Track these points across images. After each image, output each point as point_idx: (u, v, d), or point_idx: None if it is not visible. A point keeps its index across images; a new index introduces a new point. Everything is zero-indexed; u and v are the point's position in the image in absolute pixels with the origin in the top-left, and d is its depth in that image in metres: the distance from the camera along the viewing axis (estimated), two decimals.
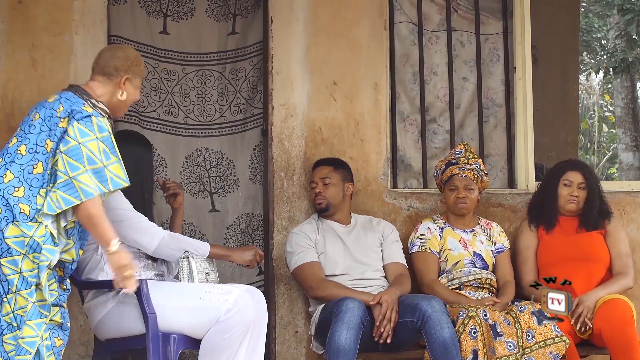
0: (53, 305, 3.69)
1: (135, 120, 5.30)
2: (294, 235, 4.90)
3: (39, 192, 3.65)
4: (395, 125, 5.53)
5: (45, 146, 3.68)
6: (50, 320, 3.68)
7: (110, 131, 3.75)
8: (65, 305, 3.79)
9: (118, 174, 3.71)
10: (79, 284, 4.28)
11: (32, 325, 3.60)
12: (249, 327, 4.12)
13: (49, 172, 3.66)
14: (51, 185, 3.64)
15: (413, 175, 5.58)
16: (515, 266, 5.11)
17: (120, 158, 3.77)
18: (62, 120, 3.69)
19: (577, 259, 4.92)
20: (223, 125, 5.48)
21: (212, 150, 5.45)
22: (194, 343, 4.17)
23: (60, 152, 3.63)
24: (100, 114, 3.76)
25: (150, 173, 4.48)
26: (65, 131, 3.66)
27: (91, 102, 3.78)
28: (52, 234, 3.65)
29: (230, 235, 5.43)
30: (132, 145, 4.41)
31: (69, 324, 3.83)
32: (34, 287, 3.61)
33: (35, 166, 3.67)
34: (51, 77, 4.84)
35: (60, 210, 3.61)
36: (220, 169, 5.46)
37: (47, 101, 3.79)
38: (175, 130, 5.42)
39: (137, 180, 4.29)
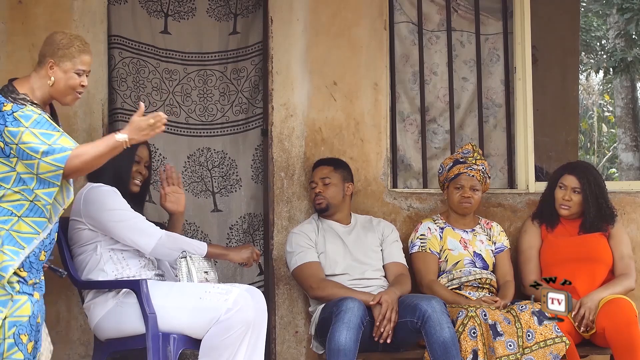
0: (18, 294, 3.61)
1: None
2: (294, 235, 4.90)
3: None
4: (395, 125, 5.53)
5: None
6: (13, 316, 3.60)
7: (39, 112, 3.68)
8: (36, 294, 3.69)
9: (67, 143, 3.64)
10: (79, 284, 4.29)
11: None
12: (249, 326, 4.12)
13: None
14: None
15: (413, 175, 5.58)
16: (518, 265, 5.11)
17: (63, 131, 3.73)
18: None
19: (580, 259, 4.92)
20: (225, 125, 5.48)
21: (214, 150, 5.45)
22: (194, 343, 4.18)
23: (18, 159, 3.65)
24: (21, 104, 3.68)
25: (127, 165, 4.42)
26: None
27: (12, 97, 3.70)
28: (12, 236, 3.61)
29: (233, 235, 5.43)
30: None
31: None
32: None
33: None
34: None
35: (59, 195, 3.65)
36: (222, 168, 5.46)
37: None
38: (177, 130, 5.42)
39: (116, 174, 4.34)
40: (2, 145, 3.65)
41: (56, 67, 3.77)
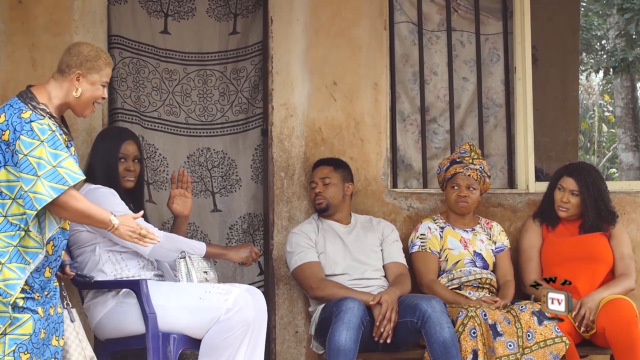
0: (20, 312, 3.56)
1: (136, 120, 5.30)
2: (294, 235, 4.90)
3: None
4: (395, 125, 5.53)
5: None
6: (14, 334, 3.53)
7: (54, 129, 3.62)
8: (40, 310, 3.63)
9: (72, 168, 3.59)
10: (79, 284, 4.29)
11: None
12: (249, 326, 4.12)
13: None
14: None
15: (413, 175, 5.58)
16: (519, 264, 5.11)
17: (72, 153, 3.70)
18: (3, 132, 3.57)
19: (580, 259, 4.92)
20: (225, 125, 5.48)
21: (214, 150, 5.45)
22: (194, 343, 4.18)
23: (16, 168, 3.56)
24: (40, 115, 3.61)
25: (113, 165, 4.39)
26: (7, 144, 3.56)
27: (31, 105, 3.63)
28: (20, 253, 3.56)
29: (232, 235, 5.43)
30: (99, 139, 4.46)
31: (53, 340, 3.68)
32: None
33: None
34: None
35: (30, 223, 3.56)
36: (222, 168, 5.46)
37: None
38: (177, 130, 5.42)
39: (106, 173, 4.32)
40: (13, 152, 3.57)
41: (83, 79, 3.75)
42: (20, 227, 3.58)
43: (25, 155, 3.53)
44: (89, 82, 3.76)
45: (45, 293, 3.68)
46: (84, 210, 3.60)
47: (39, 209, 3.51)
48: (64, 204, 3.55)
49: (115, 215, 3.70)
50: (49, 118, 3.65)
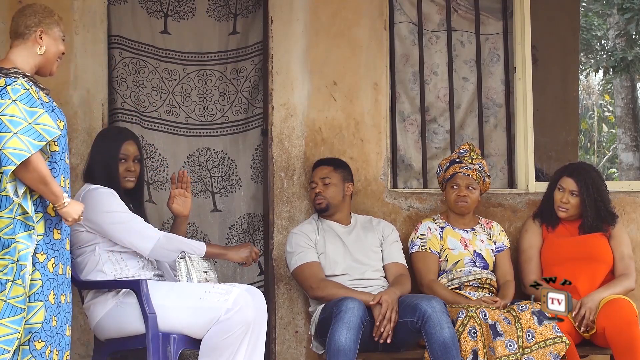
0: (34, 301, 3.59)
1: (136, 120, 5.30)
2: (294, 235, 4.90)
3: None
4: (395, 125, 5.53)
5: None
6: (29, 323, 3.57)
7: (28, 87, 3.62)
8: (50, 297, 3.66)
9: (48, 123, 3.59)
10: (79, 284, 4.28)
11: (5, 324, 3.51)
12: (249, 326, 4.12)
13: None
14: None
15: (413, 175, 5.58)
16: (519, 265, 5.11)
17: (53, 105, 3.72)
18: None
19: (580, 259, 4.92)
20: (224, 125, 5.48)
21: (213, 150, 5.45)
22: (194, 343, 4.18)
23: None
24: (14, 78, 3.62)
25: (113, 164, 4.37)
26: None
27: (2, 73, 3.64)
28: (21, 221, 3.58)
29: (232, 235, 5.43)
30: (99, 139, 4.45)
31: (67, 330, 3.73)
32: (9, 284, 3.53)
33: None
34: (51, 77, 4.83)
35: (6, 182, 3.54)
36: (222, 168, 5.46)
37: None
38: (177, 130, 5.42)
39: (106, 173, 4.31)
40: None
41: (45, 35, 3.77)
42: (11, 198, 3.58)
43: None
44: (52, 38, 3.79)
45: (61, 264, 3.70)
46: (45, 175, 3.58)
47: (18, 163, 3.49)
48: (32, 163, 3.53)
49: (71, 200, 3.70)
50: (23, 77, 3.66)
